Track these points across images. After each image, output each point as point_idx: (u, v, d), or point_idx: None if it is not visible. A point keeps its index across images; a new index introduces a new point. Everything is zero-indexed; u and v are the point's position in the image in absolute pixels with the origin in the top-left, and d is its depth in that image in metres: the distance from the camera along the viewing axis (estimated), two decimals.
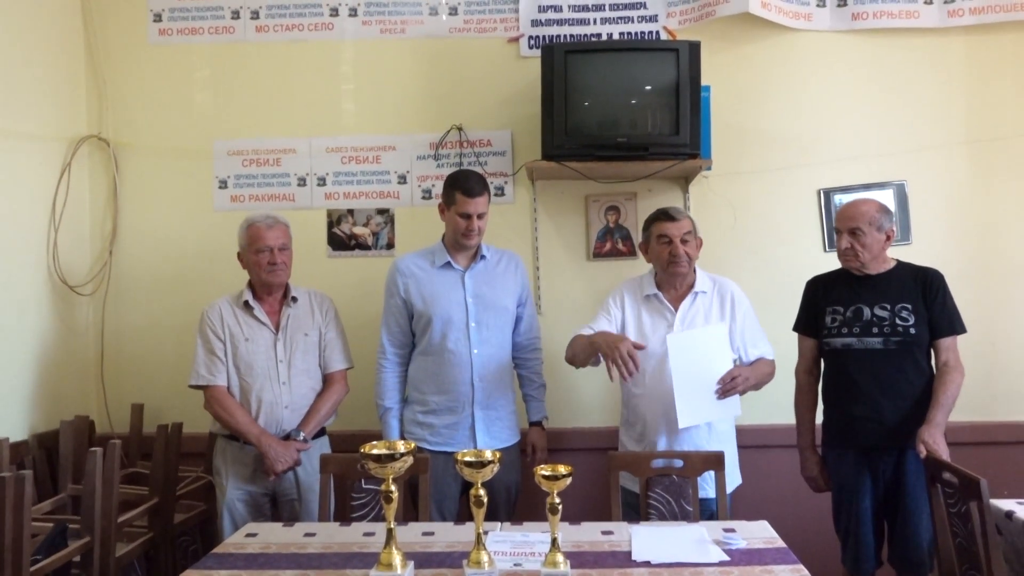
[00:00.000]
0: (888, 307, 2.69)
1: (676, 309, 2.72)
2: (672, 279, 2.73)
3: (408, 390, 2.87)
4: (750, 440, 3.32)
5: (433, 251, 2.86)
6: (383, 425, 2.82)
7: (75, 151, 3.40)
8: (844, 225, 2.72)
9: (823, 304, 2.81)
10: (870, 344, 2.69)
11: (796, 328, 2.94)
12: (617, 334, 2.64)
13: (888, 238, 2.72)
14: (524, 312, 2.91)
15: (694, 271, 2.76)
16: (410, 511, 2.65)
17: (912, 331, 2.66)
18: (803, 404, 2.90)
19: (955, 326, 2.69)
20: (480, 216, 2.74)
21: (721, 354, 2.59)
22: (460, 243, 2.79)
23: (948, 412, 2.60)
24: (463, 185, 2.74)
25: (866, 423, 2.68)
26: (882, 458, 2.68)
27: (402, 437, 2.80)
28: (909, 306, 2.67)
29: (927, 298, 2.68)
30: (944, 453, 2.53)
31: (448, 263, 2.82)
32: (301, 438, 2.75)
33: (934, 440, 2.53)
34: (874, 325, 2.69)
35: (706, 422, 2.64)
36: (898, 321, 2.67)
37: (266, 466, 2.70)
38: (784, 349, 3.21)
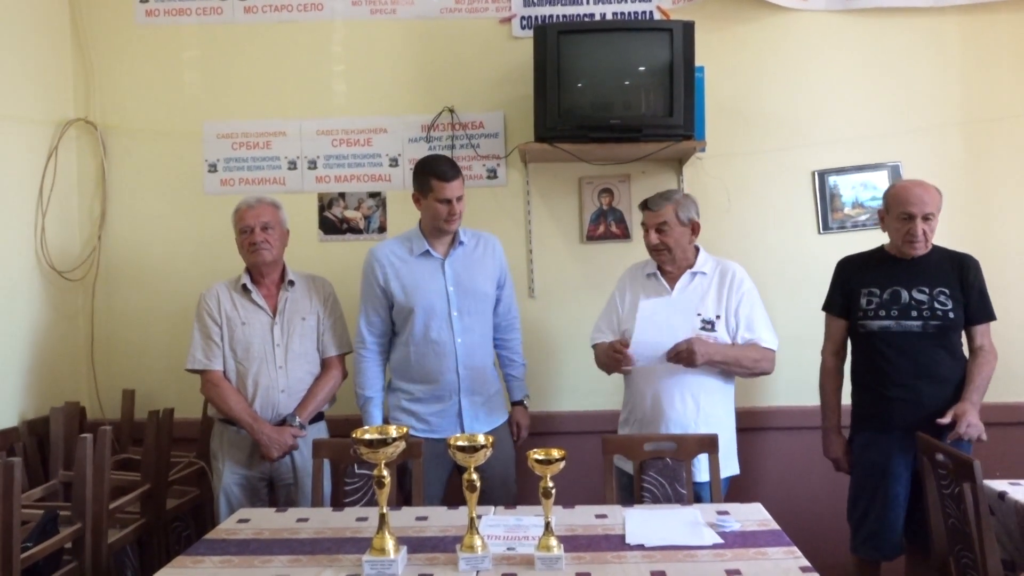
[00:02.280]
0: (927, 290, 2.68)
1: (673, 288, 2.72)
2: (663, 263, 2.74)
3: (390, 377, 2.86)
4: (747, 423, 3.33)
5: (410, 238, 2.82)
6: (364, 414, 2.80)
7: (62, 134, 3.36)
8: (920, 210, 2.63)
9: (857, 285, 2.77)
10: (908, 327, 2.67)
11: (827, 308, 2.89)
12: (607, 343, 2.69)
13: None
14: (503, 294, 2.90)
15: (695, 252, 2.74)
16: (400, 496, 2.65)
17: (951, 315, 2.66)
18: (830, 386, 2.88)
19: (990, 312, 2.72)
20: (459, 199, 2.71)
21: (684, 324, 2.57)
22: (441, 229, 2.75)
23: (983, 394, 2.65)
24: (437, 171, 2.70)
25: (904, 406, 2.66)
26: (910, 442, 2.63)
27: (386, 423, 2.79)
28: (947, 290, 2.67)
29: (964, 283, 2.68)
30: (978, 427, 2.56)
31: (427, 251, 2.78)
32: (297, 423, 2.75)
33: (967, 413, 2.55)
34: (913, 308, 2.67)
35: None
36: (936, 305, 2.66)
37: (262, 452, 2.70)
38: (780, 332, 3.21)
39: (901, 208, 2.66)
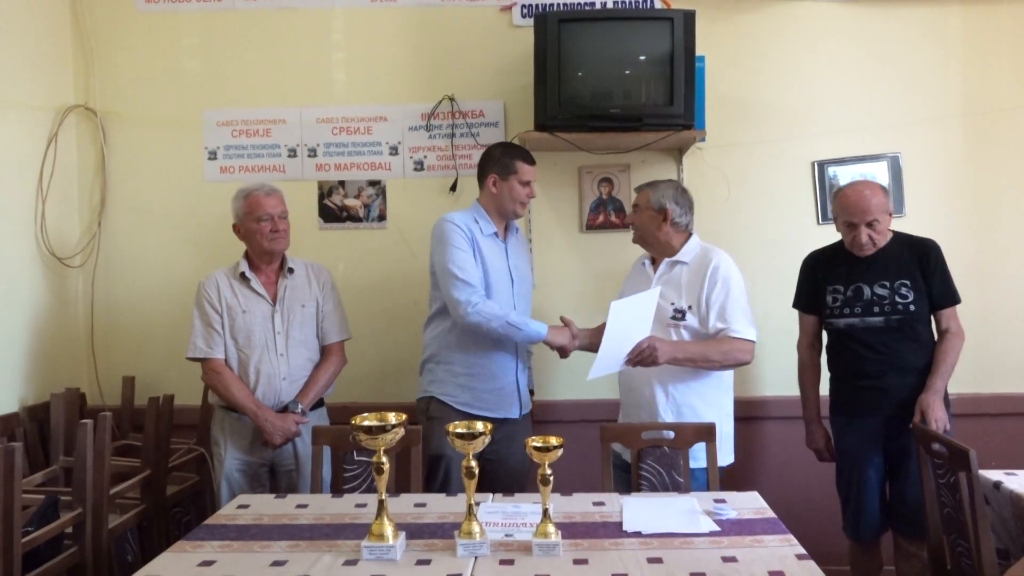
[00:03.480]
0: (887, 284, 2.72)
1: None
2: (642, 247, 2.82)
3: (441, 351, 2.79)
4: (745, 412, 3.34)
5: (476, 218, 2.80)
6: (522, 329, 2.65)
7: (62, 120, 3.35)
8: (861, 219, 2.67)
9: (823, 283, 2.83)
10: (872, 323, 2.73)
11: (796, 306, 2.96)
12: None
13: (890, 215, 2.75)
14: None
15: (684, 240, 2.74)
16: (402, 484, 2.65)
17: (912, 307, 2.70)
18: (807, 379, 2.95)
19: (953, 296, 2.74)
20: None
21: (646, 321, 2.56)
22: (516, 213, 2.82)
23: (947, 378, 2.68)
24: (523, 154, 2.80)
25: (872, 395, 2.74)
26: (888, 428, 2.72)
27: (435, 403, 2.76)
28: (908, 282, 2.70)
29: (925, 271, 2.71)
30: (943, 420, 2.60)
31: (495, 233, 2.81)
32: (299, 410, 2.76)
33: (931, 407, 2.61)
34: (875, 304, 2.72)
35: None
36: (898, 299, 2.70)
37: (264, 438, 2.72)
38: (779, 323, 3.23)
39: (844, 217, 2.73)
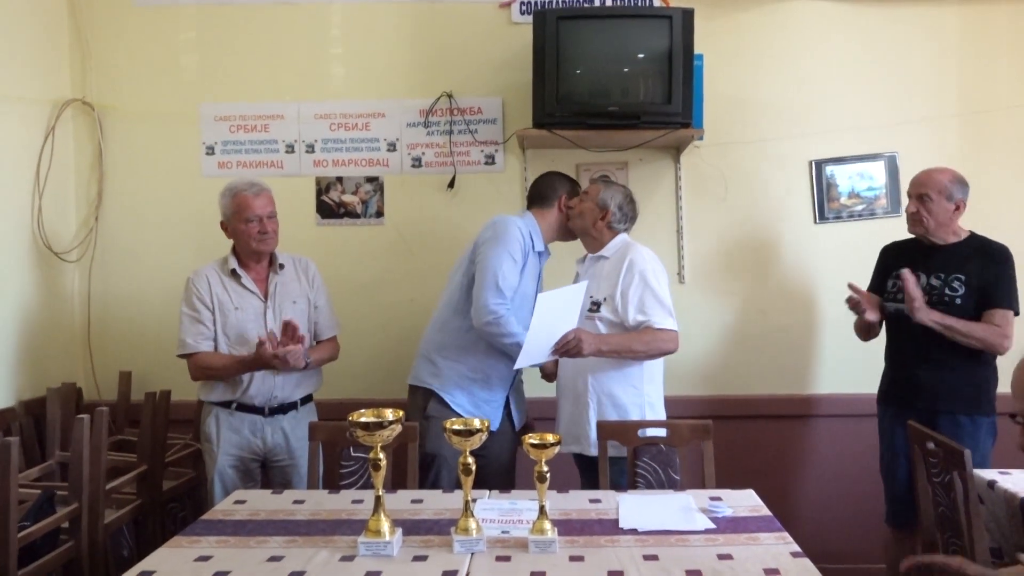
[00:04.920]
0: (942, 276, 2.73)
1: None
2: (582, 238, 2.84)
3: (454, 347, 2.80)
4: (737, 411, 3.35)
5: (532, 232, 2.82)
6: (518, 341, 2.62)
7: (59, 115, 3.34)
8: (914, 190, 2.76)
9: (891, 269, 2.86)
10: None
11: (869, 290, 2.96)
12: None
13: (958, 208, 2.74)
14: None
15: (613, 237, 2.75)
16: (398, 480, 2.66)
17: (958, 301, 2.69)
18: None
19: (1008, 301, 2.67)
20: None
21: (572, 313, 2.58)
22: (564, 238, 2.89)
23: (954, 324, 2.63)
24: (576, 187, 2.91)
25: (906, 386, 2.78)
26: (920, 421, 2.70)
27: (436, 398, 2.78)
28: (963, 277, 2.70)
29: (984, 271, 2.69)
30: (917, 297, 2.63)
31: (542, 252, 2.86)
32: (307, 357, 2.70)
33: (910, 281, 2.64)
34: (925, 294, 2.72)
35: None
36: (947, 291, 2.71)
37: (275, 365, 2.62)
38: (775, 320, 3.25)
39: (908, 188, 2.81)
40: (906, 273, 2.67)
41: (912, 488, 2.72)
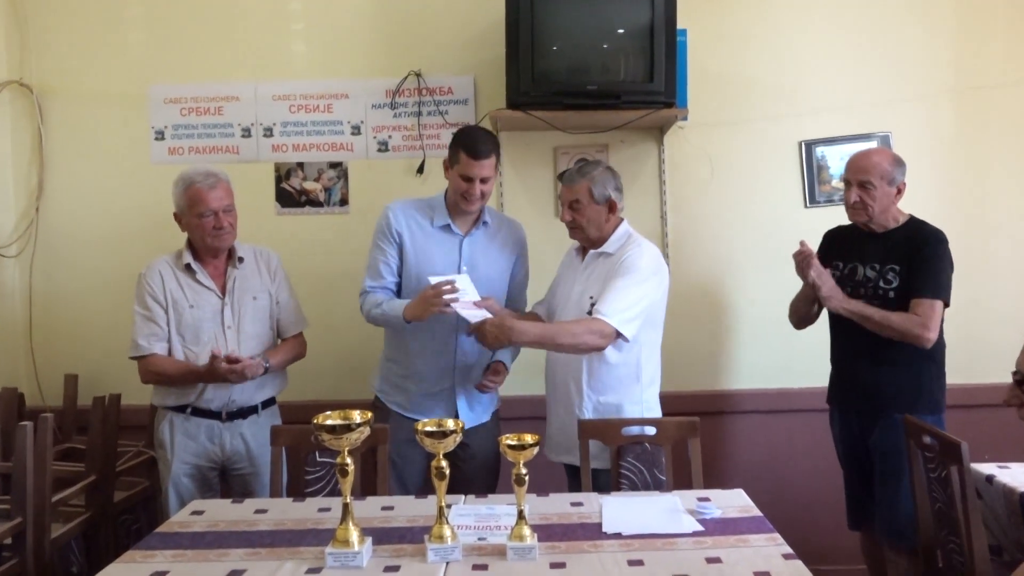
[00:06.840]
0: (877, 267, 2.72)
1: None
2: (578, 240, 2.77)
3: (388, 345, 2.82)
4: (727, 406, 3.38)
5: (432, 206, 2.75)
6: (383, 310, 2.66)
7: None
8: (854, 177, 2.69)
9: (831, 258, 2.83)
10: None
11: None
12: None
13: (899, 192, 2.71)
14: (514, 283, 2.87)
15: (615, 229, 2.70)
16: (367, 486, 2.65)
17: (892, 295, 2.67)
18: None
19: (933, 289, 2.60)
20: (484, 180, 2.62)
21: (471, 297, 2.58)
22: (459, 207, 2.69)
23: (862, 311, 2.63)
24: (467, 144, 2.61)
25: (847, 385, 2.80)
26: (859, 421, 2.76)
27: (376, 400, 2.79)
28: (897, 267, 2.67)
29: (915, 258, 2.64)
30: (823, 274, 2.67)
31: (448, 225, 2.73)
32: (264, 361, 2.69)
33: (830, 285, 2.66)
34: (861, 286, 2.73)
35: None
36: (882, 283, 2.70)
37: (230, 379, 2.61)
38: (763, 311, 3.28)
39: (844, 174, 2.78)
40: (804, 245, 2.65)
41: (867, 488, 2.78)
